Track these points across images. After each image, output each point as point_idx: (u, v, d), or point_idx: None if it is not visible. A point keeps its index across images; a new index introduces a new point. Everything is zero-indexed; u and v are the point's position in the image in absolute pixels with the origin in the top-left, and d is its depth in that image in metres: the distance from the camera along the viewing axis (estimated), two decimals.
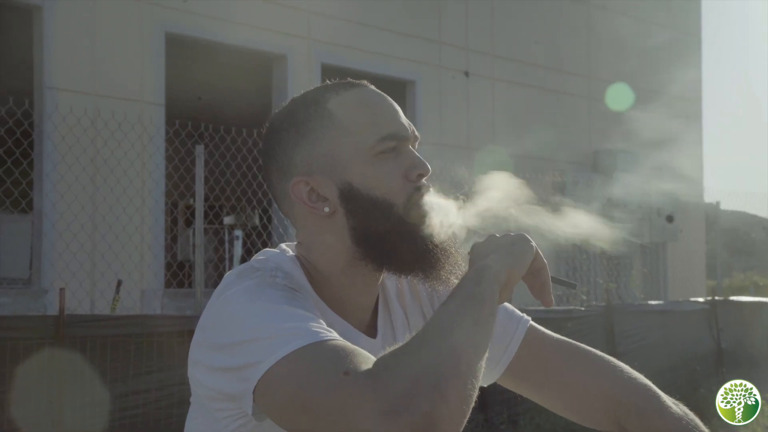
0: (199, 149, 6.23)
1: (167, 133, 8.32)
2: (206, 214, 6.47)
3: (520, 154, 11.46)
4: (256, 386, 1.18)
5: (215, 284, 10.10)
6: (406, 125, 1.41)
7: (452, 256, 1.38)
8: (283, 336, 1.18)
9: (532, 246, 1.35)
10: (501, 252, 1.31)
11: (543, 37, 12.35)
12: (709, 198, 13.76)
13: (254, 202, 8.60)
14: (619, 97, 12.91)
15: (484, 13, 11.67)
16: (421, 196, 1.38)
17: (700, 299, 9.63)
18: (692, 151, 14.47)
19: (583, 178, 12.12)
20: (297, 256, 1.42)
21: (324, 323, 1.23)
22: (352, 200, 1.36)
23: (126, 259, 7.60)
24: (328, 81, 1.47)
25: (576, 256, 11.66)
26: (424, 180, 1.39)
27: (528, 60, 12.11)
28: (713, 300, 9.17)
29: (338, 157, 1.37)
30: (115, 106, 7.93)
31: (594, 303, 8.93)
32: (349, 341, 1.20)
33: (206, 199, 6.50)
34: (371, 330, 1.45)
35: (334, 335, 1.20)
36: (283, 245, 1.47)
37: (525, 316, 1.56)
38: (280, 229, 8.42)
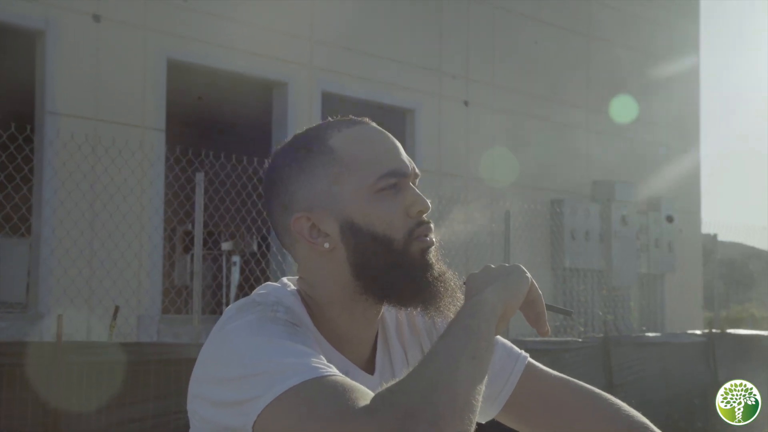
0: (199, 177, 6.24)
1: (167, 159, 8.35)
2: (205, 241, 6.47)
3: (519, 183, 11.49)
4: (255, 421, 1.19)
5: (212, 311, 10.10)
6: (407, 162, 1.43)
7: (451, 289, 1.39)
8: (284, 371, 1.19)
9: (527, 277, 1.37)
10: (497, 284, 1.33)
11: (542, 68, 12.43)
12: (706, 229, 13.78)
13: (253, 229, 8.61)
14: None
15: (484, 44, 11.74)
16: (422, 231, 1.39)
17: (698, 332, 9.62)
18: (689, 183, 14.50)
19: (581, 208, 12.15)
20: (298, 291, 1.44)
21: (324, 359, 1.24)
22: (353, 236, 1.37)
23: (124, 285, 7.59)
24: (330, 118, 1.49)
25: (574, 286, 11.66)
26: (424, 216, 1.41)
27: (527, 90, 12.17)
28: (711, 333, 9.16)
29: (339, 193, 1.38)
30: (116, 131, 7.96)
31: (591, 334, 8.92)
32: (348, 377, 1.22)
33: (205, 226, 6.50)
34: (370, 366, 1.46)
35: (333, 371, 1.21)
36: (284, 279, 1.48)
37: (523, 353, 1.57)
38: (279, 257, 8.43)
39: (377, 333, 1.48)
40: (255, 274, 8.35)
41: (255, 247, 10.03)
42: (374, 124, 1.46)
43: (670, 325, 12.95)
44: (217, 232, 10.34)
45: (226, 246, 10.64)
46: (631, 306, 12.41)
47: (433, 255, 1.40)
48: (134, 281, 7.87)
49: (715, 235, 11.40)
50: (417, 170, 1.45)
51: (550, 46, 12.53)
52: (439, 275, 1.39)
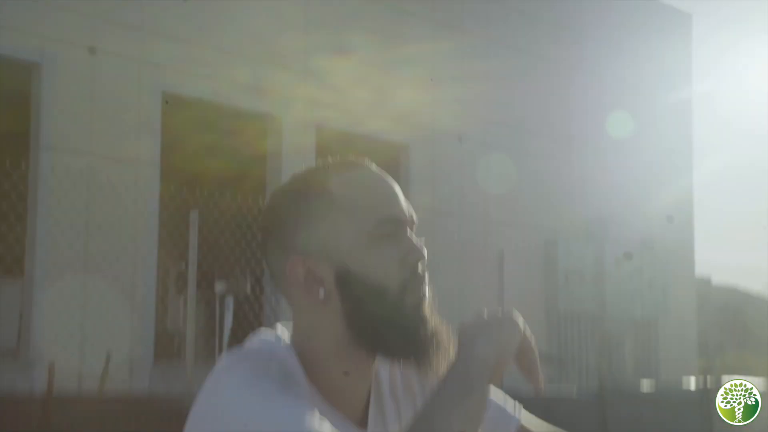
0: (194, 215, 6.21)
1: (162, 197, 8.32)
2: (198, 283, 6.43)
3: (513, 222, 11.48)
4: None
5: (205, 357, 10.01)
6: (405, 209, 1.41)
7: (444, 346, 1.37)
8: (276, 428, 1.18)
9: (519, 328, 1.34)
10: (489, 336, 1.31)
11: (536, 103, 12.46)
12: (700, 269, 13.75)
13: (247, 271, 8.57)
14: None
15: (478, 79, 11.76)
16: (417, 282, 1.37)
17: (692, 379, 9.57)
18: (683, 222, 14.50)
19: (575, 249, 12.14)
20: (292, 343, 1.41)
21: (317, 413, 1.23)
22: (348, 284, 1.36)
23: (117, 330, 7.50)
24: (329, 157, 1.47)
25: (568, 330, 11.62)
26: (420, 266, 1.38)
27: (521, 126, 12.20)
28: (705, 380, 9.11)
29: (336, 239, 1.37)
30: (110, 167, 7.94)
31: (586, 383, 8.86)
32: None
33: (198, 267, 6.46)
34: (363, 421, 1.43)
35: (326, 427, 1.20)
36: (279, 327, 1.46)
37: (516, 414, 1.54)
38: (273, 300, 8.37)
39: (371, 387, 1.45)
40: (249, 318, 8.29)
41: (248, 290, 9.98)
42: (374, 167, 1.45)
43: (665, 371, 12.88)
44: (211, 274, 10.28)
45: (219, 286, 10.56)
46: (625, 351, 12.36)
47: (426, 309, 1.37)
48: (127, 326, 7.78)
49: (708, 279, 11.40)
50: (414, 217, 1.43)
51: (543, 79, 12.59)
52: (432, 332, 1.36)
